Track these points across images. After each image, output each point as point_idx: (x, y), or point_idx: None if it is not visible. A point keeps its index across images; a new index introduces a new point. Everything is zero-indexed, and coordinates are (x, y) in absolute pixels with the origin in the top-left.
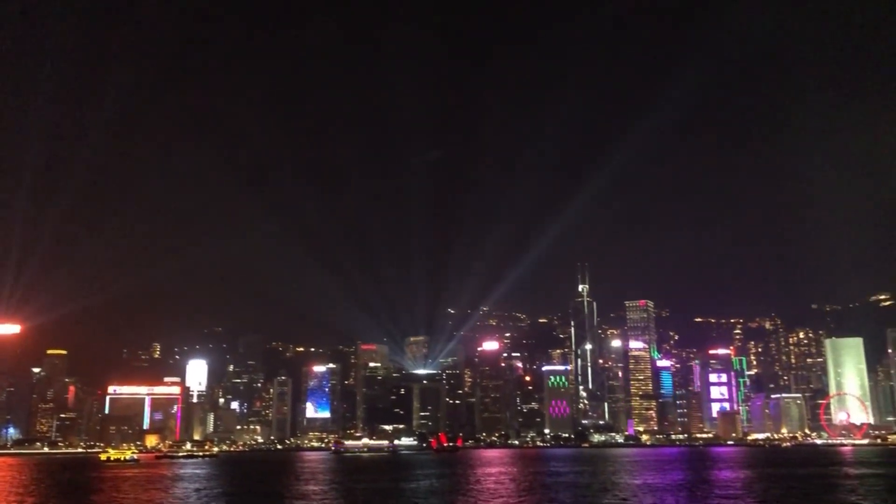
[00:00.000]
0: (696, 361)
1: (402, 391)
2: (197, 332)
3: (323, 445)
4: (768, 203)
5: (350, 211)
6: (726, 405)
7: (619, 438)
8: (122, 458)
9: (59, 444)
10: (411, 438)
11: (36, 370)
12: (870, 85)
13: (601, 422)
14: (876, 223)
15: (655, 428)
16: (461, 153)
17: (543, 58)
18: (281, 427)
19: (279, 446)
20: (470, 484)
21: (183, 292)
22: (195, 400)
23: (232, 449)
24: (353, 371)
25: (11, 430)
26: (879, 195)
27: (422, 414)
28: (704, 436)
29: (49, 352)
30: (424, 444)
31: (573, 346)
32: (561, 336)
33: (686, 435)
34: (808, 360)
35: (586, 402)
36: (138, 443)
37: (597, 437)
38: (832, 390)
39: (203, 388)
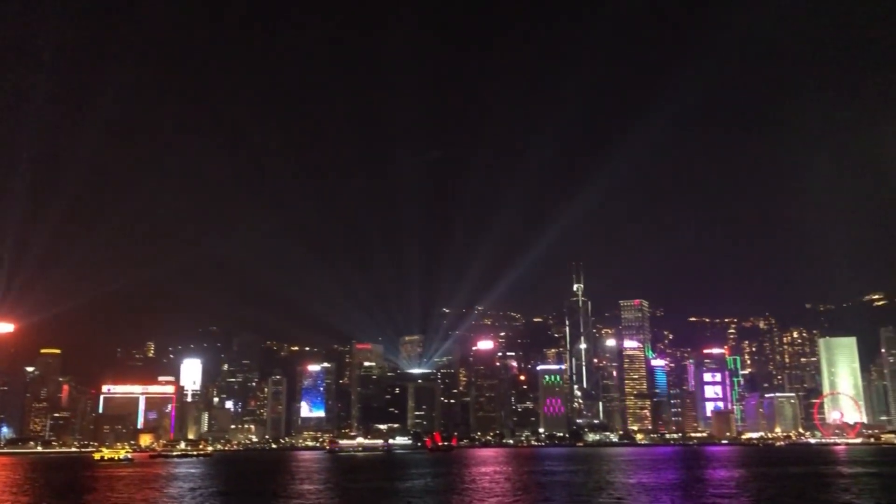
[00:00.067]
0: (691, 361)
1: (397, 390)
2: (191, 330)
3: (318, 445)
4: (763, 203)
5: (345, 210)
6: (720, 404)
7: (614, 437)
8: (117, 458)
9: (53, 443)
10: (406, 438)
11: (30, 369)
12: (869, 85)
13: (596, 421)
14: (870, 223)
15: (650, 427)
16: (458, 153)
17: (543, 58)
18: (275, 426)
19: (274, 445)
20: (465, 483)
21: (177, 291)
22: (189, 399)
23: (226, 448)
24: (348, 370)
25: (5, 430)
26: (874, 195)
27: (416, 413)
28: (699, 435)
29: (43, 351)
30: (419, 444)
31: (568, 346)
32: (556, 335)
33: (680, 434)
34: (802, 359)
35: (581, 401)
36: (132, 442)
37: (591, 437)
38: (826, 389)
39: (197, 387)
